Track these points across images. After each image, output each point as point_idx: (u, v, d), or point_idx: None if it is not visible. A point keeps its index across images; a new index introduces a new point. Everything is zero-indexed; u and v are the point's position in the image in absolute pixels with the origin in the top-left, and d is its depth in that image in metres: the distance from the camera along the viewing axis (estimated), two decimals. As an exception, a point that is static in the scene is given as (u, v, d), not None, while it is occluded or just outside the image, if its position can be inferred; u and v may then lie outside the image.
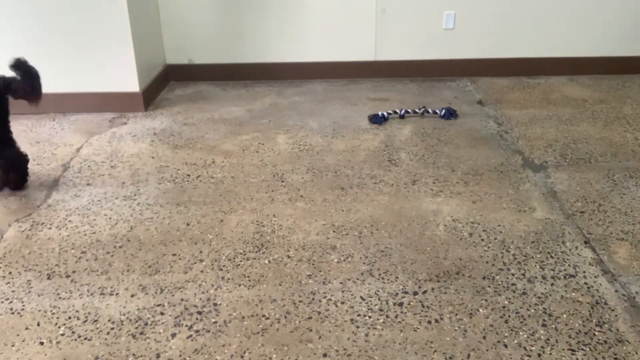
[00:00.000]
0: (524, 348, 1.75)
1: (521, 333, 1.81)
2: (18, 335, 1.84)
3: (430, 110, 3.52)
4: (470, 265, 2.15)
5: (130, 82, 3.62)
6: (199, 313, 1.93)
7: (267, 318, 1.90)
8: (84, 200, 2.64)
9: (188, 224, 2.44)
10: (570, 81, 4.12)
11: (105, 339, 1.82)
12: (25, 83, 2.69)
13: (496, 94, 3.90)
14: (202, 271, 2.14)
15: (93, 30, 3.49)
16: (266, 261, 2.19)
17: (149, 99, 3.81)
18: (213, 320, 1.89)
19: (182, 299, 1.99)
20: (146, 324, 1.88)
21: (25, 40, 3.51)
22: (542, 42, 4.16)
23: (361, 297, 1.99)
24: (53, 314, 1.93)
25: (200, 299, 1.99)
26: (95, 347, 1.79)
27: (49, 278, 2.11)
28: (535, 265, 2.14)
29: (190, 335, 1.83)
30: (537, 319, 1.87)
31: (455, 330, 1.83)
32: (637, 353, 1.73)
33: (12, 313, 1.94)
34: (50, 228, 2.43)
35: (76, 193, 2.71)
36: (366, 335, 1.82)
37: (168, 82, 4.22)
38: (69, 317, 1.92)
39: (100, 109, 3.67)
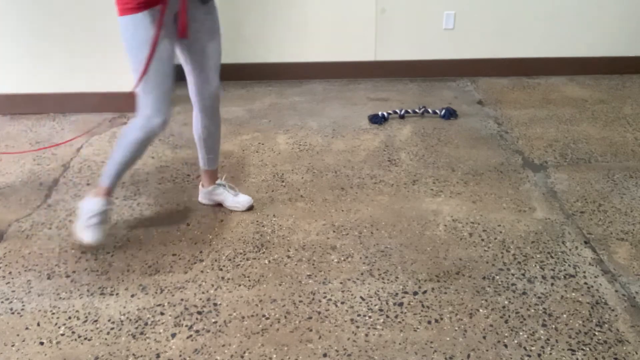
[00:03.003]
0: (524, 348, 1.75)
1: (521, 333, 1.81)
2: (18, 335, 1.84)
3: (430, 110, 3.52)
4: (470, 265, 2.15)
5: (130, 82, 3.61)
6: (199, 313, 1.93)
7: (267, 318, 1.90)
8: (84, 200, 2.65)
9: (188, 224, 2.44)
10: (570, 81, 4.12)
11: (105, 339, 1.82)
12: None
13: (496, 94, 3.90)
14: (202, 271, 2.14)
15: (93, 30, 3.49)
16: (266, 261, 2.19)
17: (149, 99, 3.80)
18: (213, 320, 1.89)
19: (182, 299, 1.99)
20: (146, 324, 1.88)
21: (25, 41, 3.51)
22: (542, 42, 4.16)
23: (361, 297, 1.99)
24: (53, 314, 1.93)
25: (200, 299, 1.99)
26: (95, 347, 1.79)
27: (49, 278, 2.11)
28: (535, 265, 2.14)
29: (190, 335, 1.83)
30: (537, 319, 1.87)
31: (455, 330, 1.83)
32: (637, 353, 1.73)
33: (12, 313, 1.94)
34: (50, 228, 2.43)
35: (76, 193, 2.71)
36: (366, 335, 1.82)
37: (168, 82, 4.22)
38: (69, 317, 1.92)
39: (100, 109, 3.67)
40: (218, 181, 2.54)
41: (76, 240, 2.25)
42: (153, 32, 2.04)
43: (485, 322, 1.86)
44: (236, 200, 2.52)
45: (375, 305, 1.95)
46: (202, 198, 2.57)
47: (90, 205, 2.24)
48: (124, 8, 2.05)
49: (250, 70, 4.25)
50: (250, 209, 2.53)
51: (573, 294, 1.99)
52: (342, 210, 2.52)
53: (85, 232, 2.22)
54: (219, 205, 2.55)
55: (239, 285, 2.06)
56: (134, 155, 2.22)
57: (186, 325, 1.87)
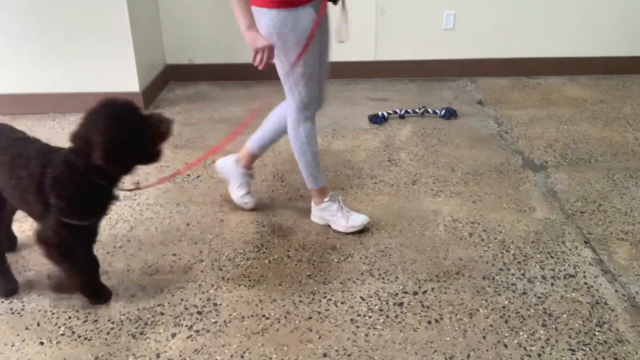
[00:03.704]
0: (524, 348, 1.75)
1: (521, 333, 1.81)
2: (18, 335, 1.84)
3: (430, 110, 3.52)
4: (470, 265, 2.15)
5: (130, 82, 3.62)
6: (199, 313, 1.92)
7: (267, 318, 1.90)
8: (84, 200, 2.64)
9: (188, 224, 2.44)
10: (570, 81, 4.12)
11: (105, 339, 1.82)
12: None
13: (496, 94, 3.90)
14: (202, 271, 2.14)
15: (93, 30, 3.49)
16: (266, 261, 2.19)
17: (149, 99, 3.80)
18: (213, 320, 1.89)
19: (182, 299, 1.99)
20: (146, 324, 1.88)
21: (25, 41, 3.51)
22: (542, 42, 4.16)
23: (361, 297, 1.99)
24: (53, 314, 1.93)
25: (200, 299, 1.99)
26: (95, 347, 1.79)
27: (49, 278, 2.11)
28: (535, 265, 2.14)
29: (190, 335, 1.83)
30: (537, 319, 1.87)
31: (455, 330, 1.83)
32: (637, 353, 1.73)
33: (12, 313, 1.94)
34: (50, 228, 2.43)
35: (76, 193, 2.71)
36: (366, 335, 1.82)
37: (168, 82, 4.22)
38: (69, 317, 1.92)
39: (100, 109, 3.66)
40: (250, 171, 2.56)
41: (354, 229, 2.35)
42: (308, 24, 2.06)
43: (485, 322, 1.86)
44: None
45: (375, 305, 1.95)
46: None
47: (329, 211, 2.36)
48: (281, 1, 2.00)
49: (250, 70, 4.24)
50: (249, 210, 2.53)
51: (573, 294, 1.99)
52: (342, 210, 2.52)
53: (354, 220, 2.35)
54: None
55: (239, 285, 2.06)
56: (316, 144, 2.31)
57: (186, 325, 1.87)
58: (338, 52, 4.28)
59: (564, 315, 1.89)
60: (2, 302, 1.99)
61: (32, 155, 1.77)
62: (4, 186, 1.83)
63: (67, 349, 1.78)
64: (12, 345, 1.80)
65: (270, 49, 1.99)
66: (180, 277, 2.11)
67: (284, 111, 2.37)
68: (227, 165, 2.55)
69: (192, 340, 1.81)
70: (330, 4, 2.18)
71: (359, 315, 1.91)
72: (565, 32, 4.13)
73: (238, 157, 2.54)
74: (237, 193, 2.53)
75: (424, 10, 4.07)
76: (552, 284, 2.04)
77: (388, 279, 2.08)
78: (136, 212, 2.54)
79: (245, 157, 2.52)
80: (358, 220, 2.34)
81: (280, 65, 2.15)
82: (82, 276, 1.90)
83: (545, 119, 3.47)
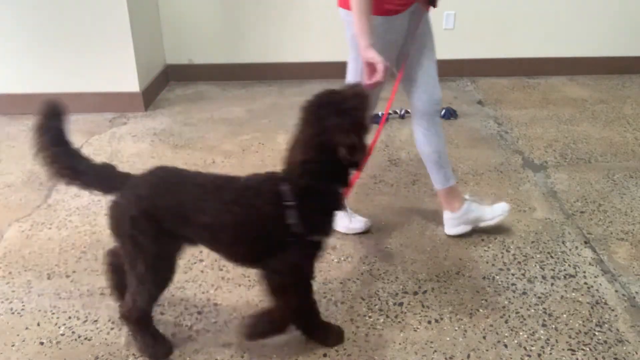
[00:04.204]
0: (524, 348, 1.75)
1: (521, 333, 1.81)
2: (18, 335, 1.84)
3: (430, 110, 3.52)
4: (470, 265, 2.15)
5: (130, 82, 3.62)
6: (199, 313, 1.92)
7: (267, 318, 1.90)
8: (84, 200, 2.64)
9: (188, 224, 2.44)
10: (570, 81, 4.12)
11: (105, 339, 1.82)
12: None
13: (496, 94, 3.90)
14: (202, 271, 2.14)
15: (93, 30, 3.49)
16: (266, 261, 2.19)
17: (149, 99, 3.80)
18: (213, 320, 1.89)
19: (182, 299, 1.99)
20: (146, 324, 1.88)
21: (25, 41, 3.51)
22: (542, 42, 4.16)
23: (361, 297, 1.99)
24: (53, 314, 1.93)
25: (200, 299, 1.99)
26: (95, 347, 1.79)
27: (49, 278, 2.11)
28: (535, 265, 2.14)
29: (190, 335, 1.83)
30: (537, 319, 1.87)
31: (455, 330, 1.83)
32: (637, 353, 1.73)
33: (12, 313, 1.94)
34: (50, 228, 2.43)
35: (76, 193, 2.70)
36: (366, 335, 1.82)
37: (168, 82, 4.22)
38: (69, 317, 1.92)
39: (100, 109, 3.67)
40: (466, 196, 2.32)
41: (355, 232, 2.33)
42: (397, 35, 2.08)
43: (485, 322, 1.86)
44: (494, 210, 2.28)
45: (375, 305, 1.95)
46: (450, 228, 2.30)
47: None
48: (379, 8, 1.98)
49: (250, 70, 4.25)
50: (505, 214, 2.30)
51: (573, 294, 1.99)
52: (342, 210, 2.52)
53: (356, 222, 2.34)
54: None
55: (239, 285, 2.06)
56: None
57: (186, 325, 1.87)
58: (338, 52, 4.29)
59: (564, 315, 1.89)
60: (2, 302, 1.99)
61: (262, 180, 1.57)
62: (227, 232, 1.56)
63: (67, 349, 1.78)
64: (12, 345, 1.80)
65: (387, 71, 1.89)
66: (180, 277, 2.11)
67: (418, 137, 2.22)
68: (455, 224, 2.30)
69: (192, 340, 1.81)
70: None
71: (359, 315, 1.91)
72: (565, 32, 4.14)
73: (446, 210, 2.29)
74: (487, 217, 2.27)
75: (424, 10, 4.07)
76: (552, 284, 2.04)
77: (388, 279, 2.08)
78: (136, 212, 2.53)
79: (446, 200, 2.28)
80: (360, 223, 2.34)
81: (354, 67, 2.19)
82: (311, 312, 1.70)
83: (545, 119, 3.47)
